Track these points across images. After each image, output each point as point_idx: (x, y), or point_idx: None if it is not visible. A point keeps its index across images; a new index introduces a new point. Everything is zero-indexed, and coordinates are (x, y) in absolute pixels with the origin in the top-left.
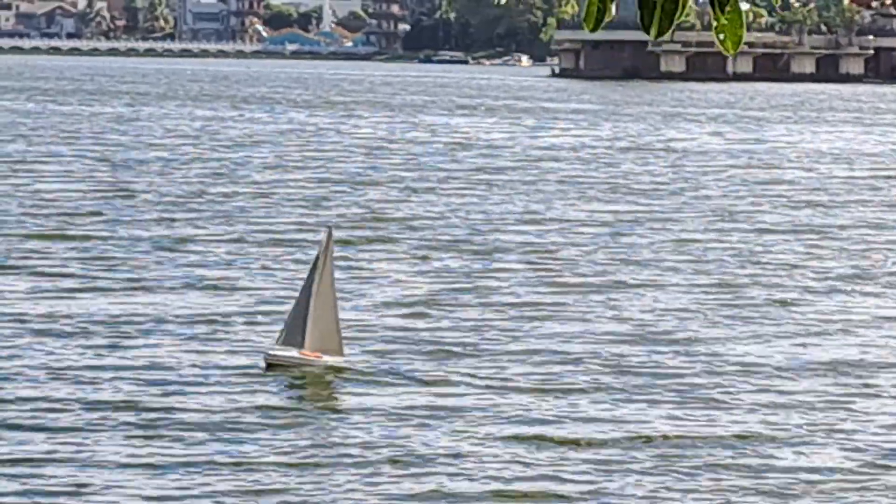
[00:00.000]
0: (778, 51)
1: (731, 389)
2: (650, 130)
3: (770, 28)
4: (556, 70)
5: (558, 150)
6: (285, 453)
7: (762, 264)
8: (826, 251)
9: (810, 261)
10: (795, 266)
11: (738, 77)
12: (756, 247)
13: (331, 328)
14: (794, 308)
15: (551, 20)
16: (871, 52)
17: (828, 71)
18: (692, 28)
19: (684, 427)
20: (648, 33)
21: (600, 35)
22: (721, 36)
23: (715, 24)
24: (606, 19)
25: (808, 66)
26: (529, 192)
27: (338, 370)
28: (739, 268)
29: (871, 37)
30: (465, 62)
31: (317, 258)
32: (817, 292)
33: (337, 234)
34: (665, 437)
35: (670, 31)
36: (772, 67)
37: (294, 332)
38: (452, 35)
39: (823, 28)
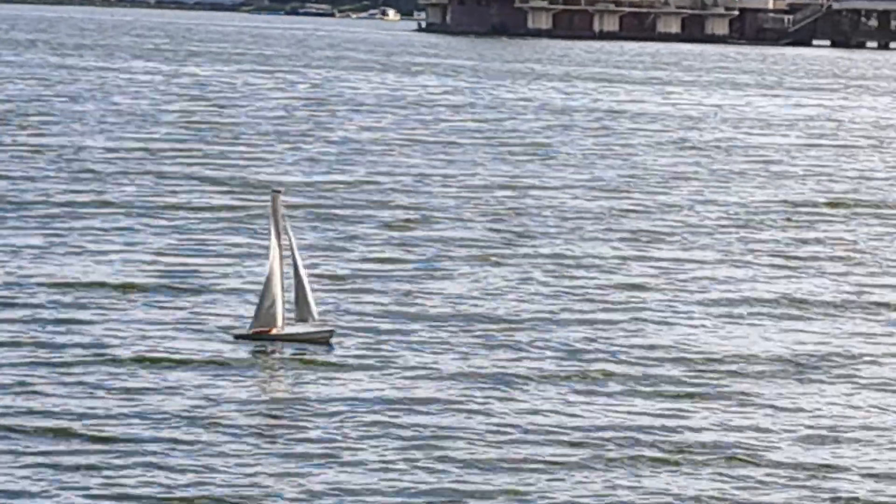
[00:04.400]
0: (644, 10)
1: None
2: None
3: None
4: (423, 25)
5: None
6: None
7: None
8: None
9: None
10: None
11: (605, 35)
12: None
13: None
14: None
15: None
16: (737, 12)
17: (693, 31)
18: None
19: (695, 422)
20: None
21: None
22: None
23: None
24: None
25: (674, 26)
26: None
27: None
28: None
29: None
30: (332, 15)
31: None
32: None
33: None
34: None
35: None
36: (638, 27)
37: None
38: None
39: None
